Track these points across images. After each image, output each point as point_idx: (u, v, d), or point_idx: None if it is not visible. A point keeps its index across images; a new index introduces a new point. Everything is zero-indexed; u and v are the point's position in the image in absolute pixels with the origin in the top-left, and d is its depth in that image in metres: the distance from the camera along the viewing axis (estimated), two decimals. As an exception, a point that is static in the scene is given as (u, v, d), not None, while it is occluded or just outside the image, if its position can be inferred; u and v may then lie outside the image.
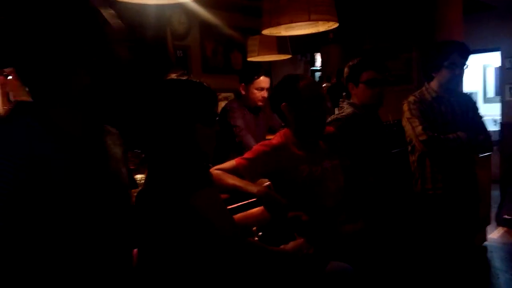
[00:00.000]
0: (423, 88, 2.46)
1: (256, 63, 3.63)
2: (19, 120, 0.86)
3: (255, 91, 2.97)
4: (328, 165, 1.86)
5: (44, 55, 0.84)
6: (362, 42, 5.49)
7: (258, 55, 3.61)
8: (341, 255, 1.69)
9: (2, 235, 0.78)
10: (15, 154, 0.80)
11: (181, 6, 4.34)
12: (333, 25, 2.17)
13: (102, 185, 0.95)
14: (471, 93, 6.88)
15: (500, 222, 4.20)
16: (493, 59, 6.76)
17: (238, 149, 2.77)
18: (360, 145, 2.14)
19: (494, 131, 5.42)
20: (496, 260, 3.59)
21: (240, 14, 5.24)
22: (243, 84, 3.00)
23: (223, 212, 1.38)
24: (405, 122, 2.41)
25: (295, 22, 2.00)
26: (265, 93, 2.99)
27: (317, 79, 6.82)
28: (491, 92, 7.62)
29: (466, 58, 2.35)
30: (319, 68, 7.01)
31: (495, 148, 4.56)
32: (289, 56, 3.82)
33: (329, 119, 2.21)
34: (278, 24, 2.03)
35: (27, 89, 0.88)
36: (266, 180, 1.92)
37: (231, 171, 1.76)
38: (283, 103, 1.85)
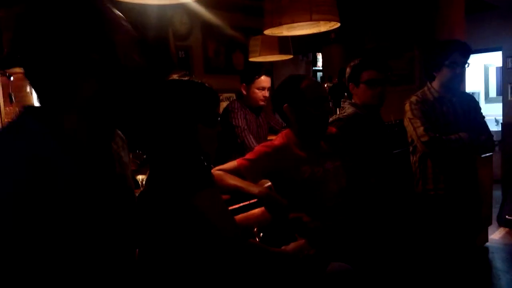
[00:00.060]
0: (425, 88, 2.45)
1: (257, 63, 3.62)
2: (26, 125, 0.86)
3: (257, 90, 2.97)
4: (330, 166, 1.85)
5: (55, 59, 0.85)
6: (364, 42, 5.48)
7: (260, 55, 3.61)
8: (341, 256, 1.69)
9: (9, 238, 0.78)
10: (21, 158, 0.80)
11: (183, 7, 4.34)
12: (334, 25, 2.16)
13: (108, 190, 0.96)
14: (473, 93, 6.88)
15: (501, 223, 4.18)
16: (495, 59, 6.74)
17: (240, 149, 2.77)
18: (362, 145, 2.13)
19: (496, 131, 5.40)
20: (498, 261, 3.58)
21: (242, 14, 5.24)
22: (244, 84, 3.00)
23: (224, 213, 1.38)
24: (407, 123, 2.40)
25: (296, 22, 2.00)
26: (266, 93, 2.99)
27: (318, 79, 6.81)
28: (493, 92, 7.61)
29: (467, 57, 2.35)
30: (320, 68, 7.01)
31: (496, 148, 4.55)
32: (290, 56, 3.82)
33: (331, 119, 2.20)
34: (279, 24, 2.03)
35: (31, 91, 0.88)
36: (268, 181, 1.92)
37: (232, 171, 1.76)
38: (285, 104, 1.84)
